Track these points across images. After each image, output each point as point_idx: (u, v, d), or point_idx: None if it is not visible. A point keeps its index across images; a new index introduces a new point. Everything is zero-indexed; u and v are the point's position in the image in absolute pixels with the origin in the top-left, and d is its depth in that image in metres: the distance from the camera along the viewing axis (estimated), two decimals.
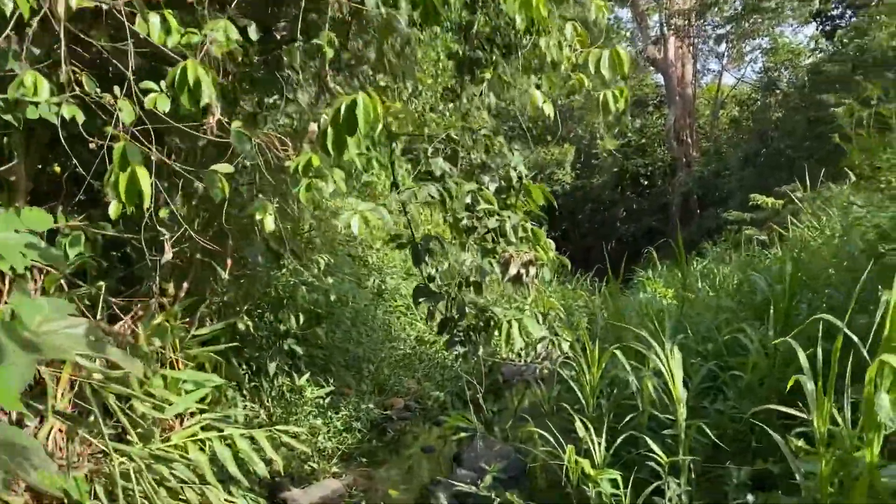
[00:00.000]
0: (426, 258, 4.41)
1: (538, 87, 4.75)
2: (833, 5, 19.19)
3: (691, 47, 25.43)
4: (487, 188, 4.25)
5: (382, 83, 6.14)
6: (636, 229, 29.95)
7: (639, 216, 30.11)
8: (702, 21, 24.51)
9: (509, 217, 4.24)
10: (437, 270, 4.54)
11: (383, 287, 9.64)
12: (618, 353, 4.93)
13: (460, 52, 4.88)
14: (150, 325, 4.39)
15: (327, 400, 6.74)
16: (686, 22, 23.66)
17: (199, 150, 4.24)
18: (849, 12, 19.04)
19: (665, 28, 24.60)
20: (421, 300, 4.49)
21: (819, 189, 13.86)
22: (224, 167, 3.47)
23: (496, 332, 4.33)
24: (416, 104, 7.92)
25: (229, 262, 5.79)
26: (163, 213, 3.77)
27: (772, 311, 4.97)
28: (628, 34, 32.56)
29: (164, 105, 3.17)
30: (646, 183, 29.33)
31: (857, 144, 5.46)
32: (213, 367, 5.75)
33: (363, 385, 7.72)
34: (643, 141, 29.70)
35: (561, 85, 4.99)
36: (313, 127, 4.21)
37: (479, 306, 4.48)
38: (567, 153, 27.76)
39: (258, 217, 3.64)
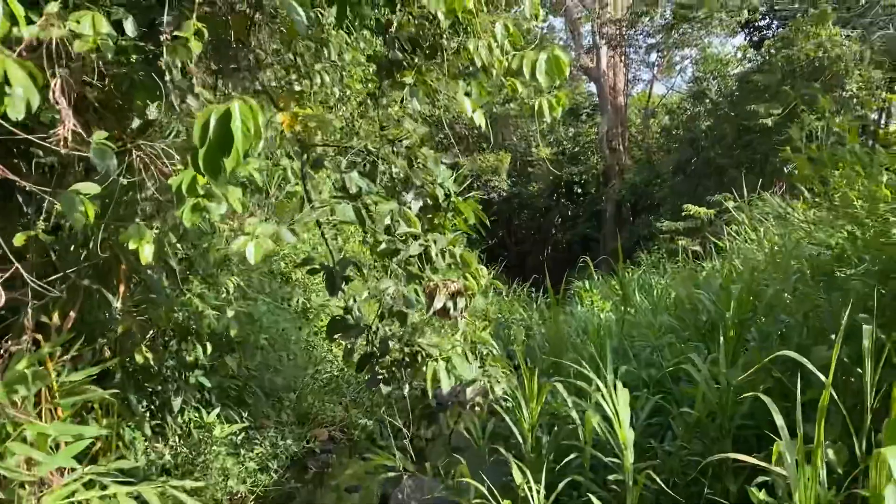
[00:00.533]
0: (342, 286, 3.85)
1: (468, 94, 4.24)
2: (760, 16, 19.33)
3: (623, 57, 25.45)
4: (410, 207, 3.72)
5: (301, 87, 5.57)
6: (571, 236, 29.89)
7: (573, 223, 30.06)
8: (633, 31, 24.53)
9: (435, 241, 3.72)
10: (355, 300, 3.99)
11: (308, 306, 9.02)
12: (558, 386, 4.44)
13: (380, 54, 4.34)
14: (13, 369, 3.70)
15: (240, 437, 6.08)
16: (618, 31, 23.62)
17: (69, 165, 3.58)
18: (775, 23, 19.21)
19: (597, 37, 24.54)
20: (337, 335, 3.93)
21: (751, 198, 13.81)
22: (88, 187, 2.85)
23: (423, 369, 3.80)
24: (344, 111, 7.35)
25: (122, 287, 5.11)
26: (17, 241, 3.10)
27: (721, 338, 4.55)
28: (561, 43, 32.59)
29: None
30: (580, 191, 29.30)
31: (807, 159, 5.11)
32: (105, 409, 5.06)
33: (283, 416, 7.08)
34: (577, 149, 29.66)
35: (493, 92, 4.49)
36: None
37: (404, 339, 3.93)
38: (503, 160, 27.45)
39: (132, 246, 3.03)
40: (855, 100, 15.83)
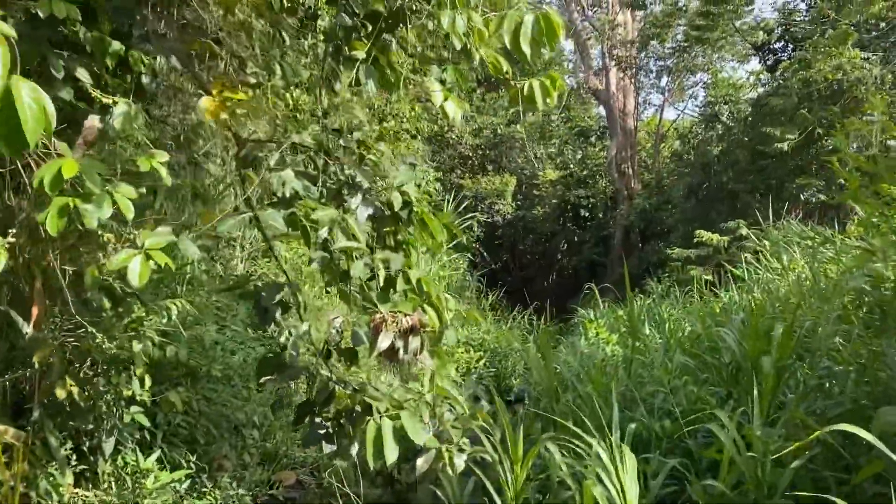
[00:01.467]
0: (276, 315, 3.00)
1: (442, 81, 3.42)
2: (776, 38, 18.54)
3: (633, 79, 24.69)
4: (356, 216, 2.88)
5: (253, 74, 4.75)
6: (577, 262, 28.96)
7: (580, 248, 29.14)
8: (643, 53, 23.79)
9: (385, 261, 2.87)
10: (291, 333, 3.13)
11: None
12: (552, 448, 3.55)
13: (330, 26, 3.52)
14: None
15: (185, 484, 5.20)
16: (628, 53, 22.88)
17: None
18: (790, 46, 18.40)
19: (607, 59, 23.80)
20: (267, 379, 3.07)
21: (768, 224, 12.92)
22: None
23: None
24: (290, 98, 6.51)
25: (35, 310, 4.27)
26: None
27: (751, 386, 3.65)
28: (570, 65, 31.91)
29: None
30: (587, 215, 28.41)
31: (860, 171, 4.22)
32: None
33: (245, 457, 6.18)
34: (585, 172, 28.82)
35: (472, 76, 3.66)
36: (90, 121, 2.77)
37: (354, 385, 3.07)
38: (508, 183, 26.60)
39: None
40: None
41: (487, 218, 27.30)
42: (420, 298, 2.98)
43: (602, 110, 27.46)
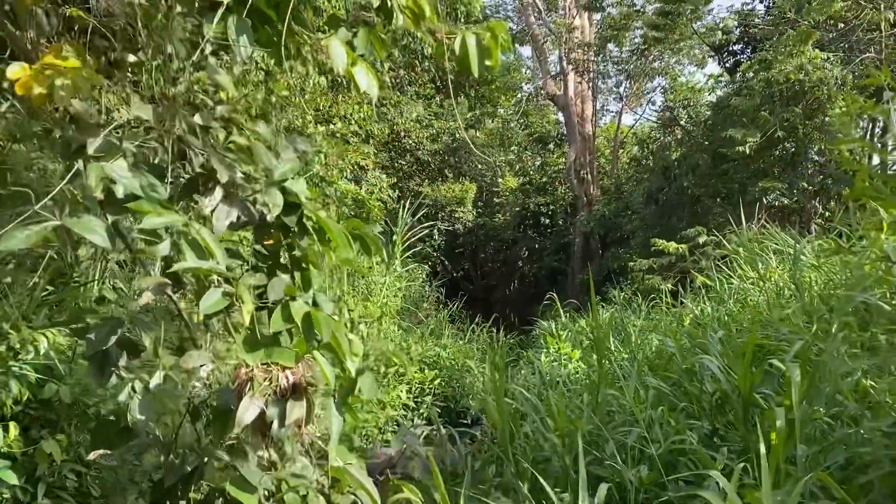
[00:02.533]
0: (120, 362, 2.13)
1: (350, 44, 2.60)
2: (734, 39, 18.08)
3: (591, 83, 24.14)
4: (210, 223, 2.03)
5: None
6: (538, 269, 28.34)
7: (540, 256, 28.52)
8: (601, 57, 23.23)
9: (251, 288, 2.03)
10: (135, 390, 2.25)
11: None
12: None
13: None
14: None
15: None
16: (585, 56, 22.30)
17: None
18: (749, 48, 17.97)
19: (564, 63, 23.21)
20: (102, 452, 2.20)
21: (731, 231, 12.30)
22: None
23: None
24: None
25: None
26: None
27: (762, 452, 2.84)
28: (528, 71, 31.32)
29: None
30: (547, 222, 27.81)
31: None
32: None
33: None
34: (544, 179, 28.24)
35: (391, 38, 2.85)
36: None
37: (225, 458, 2.20)
38: (468, 190, 25.81)
39: None
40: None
41: (448, 226, 26.51)
42: (308, 342, 2.13)
43: (560, 116, 26.87)
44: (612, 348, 7.91)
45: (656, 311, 10.81)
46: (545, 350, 8.33)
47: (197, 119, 2.19)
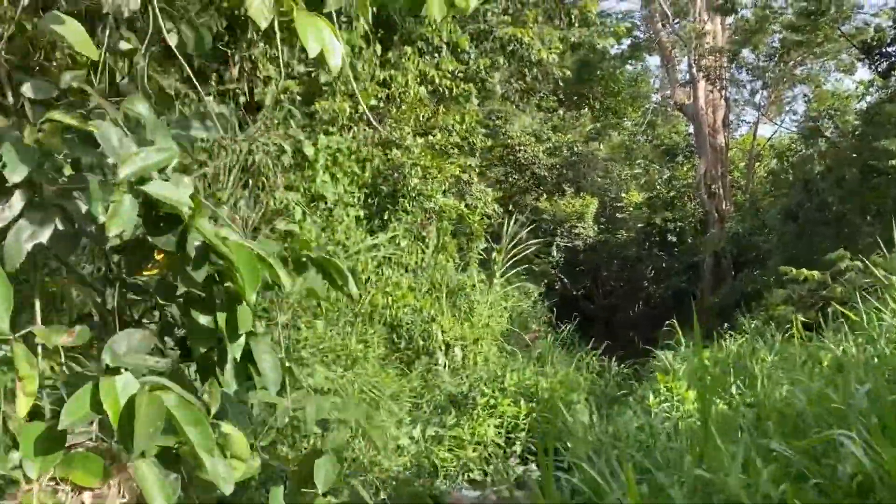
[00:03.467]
0: None
1: None
2: (889, 40, 16.06)
3: (722, 92, 22.41)
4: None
5: None
6: (664, 290, 26.60)
7: (667, 275, 26.77)
8: (735, 63, 21.49)
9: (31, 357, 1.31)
10: None
11: None
12: None
13: None
14: None
15: None
16: (717, 63, 20.68)
17: None
18: None
19: (694, 70, 21.66)
20: None
21: (881, 254, 10.64)
22: None
23: None
24: None
25: None
26: None
27: None
28: (656, 82, 29.75)
29: None
30: (674, 240, 26.04)
31: None
32: None
33: None
34: (672, 194, 26.52)
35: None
36: None
37: None
38: (589, 205, 24.61)
39: None
40: None
41: (568, 242, 25.38)
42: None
43: (690, 127, 25.20)
44: (734, 391, 6.76)
45: (791, 345, 9.43)
46: (654, 392, 7.26)
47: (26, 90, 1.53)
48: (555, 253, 25.24)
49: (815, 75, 23.65)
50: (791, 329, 10.01)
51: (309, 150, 7.20)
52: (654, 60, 30.11)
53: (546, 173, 22.36)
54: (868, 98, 18.56)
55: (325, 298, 7.88)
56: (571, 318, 21.21)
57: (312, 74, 7.57)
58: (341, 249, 8.31)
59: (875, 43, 16.26)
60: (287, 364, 5.78)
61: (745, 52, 21.66)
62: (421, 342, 9.62)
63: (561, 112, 26.06)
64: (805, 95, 24.18)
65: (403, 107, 9.71)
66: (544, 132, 20.93)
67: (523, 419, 7.92)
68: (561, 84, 28.34)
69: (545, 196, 23.63)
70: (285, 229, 7.22)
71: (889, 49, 16.41)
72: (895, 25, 16.02)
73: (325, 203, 8.48)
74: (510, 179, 22.23)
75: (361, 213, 9.38)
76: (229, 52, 7.21)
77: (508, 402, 8.06)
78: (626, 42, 26.50)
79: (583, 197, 24.46)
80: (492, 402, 8.06)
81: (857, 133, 15.94)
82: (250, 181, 7.21)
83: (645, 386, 8.55)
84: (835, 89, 21.60)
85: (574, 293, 29.79)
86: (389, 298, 9.45)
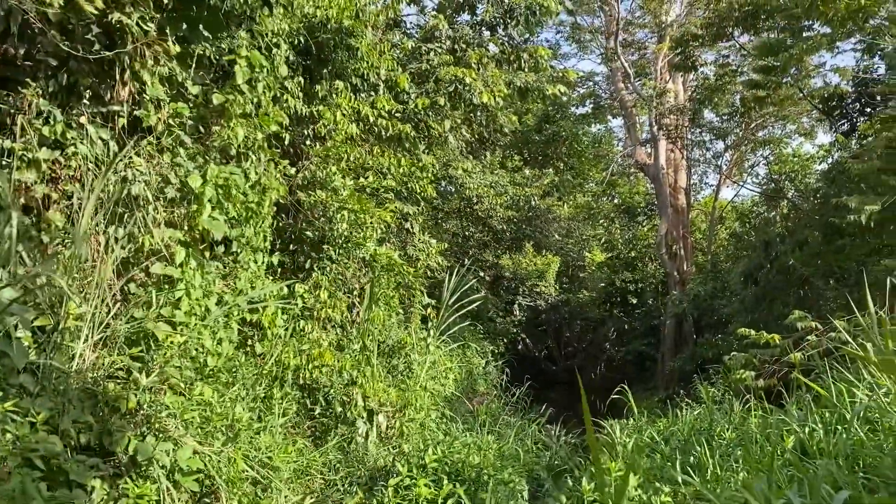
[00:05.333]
0: None
1: None
2: (850, 99, 15.56)
3: (683, 151, 21.85)
4: None
5: None
6: (625, 353, 25.57)
7: (629, 338, 25.79)
8: (696, 121, 20.97)
9: None
10: None
11: None
12: None
13: None
14: None
15: None
16: (678, 122, 20.13)
17: None
18: (867, 109, 15.37)
19: (655, 129, 21.10)
20: None
21: (845, 316, 9.69)
22: None
23: None
24: None
25: None
26: None
27: None
28: (619, 142, 29.29)
29: None
30: (636, 301, 25.18)
31: None
32: None
33: None
34: (633, 254, 25.78)
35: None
36: None
37: None
38: (551, 263, 23.67)
39: None
40: None
41: (530, 301, 24.35)
42: None
43: (651, 187, 24.60)
44: (683, 479, 5.61)
45: (751, 417, 8.38)
46: (596, 477, 6.08)
47: None
48: (517, 312, 24.22)
49: (777, 139, 23.26)
50: (752, 399, 8.97)
51: (195, 182, 6.08)
52: (618, 122, 29.77)
53: (504, 226, 21.43)
54: (829, 160, 18.02)
55: (213, 354, 6.67)
56: (534, 380, 19.99)
57: (208, 95, 6.50)
58: (242, 300, 7.14)
59: (835, 103, 15.74)
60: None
61: (707, 114, 21.21)
62: (339, 408, 8.37)
63: (526, 172, 25.41)
64: (766, 158, 23.76)
65: (329, 143, 8.69)
66: (501, 185, 20.07)
67: (441, 503, 6.66)
68: (528, 144, 27.83)
69: (506, 253, 22.69)
70: (163, 273, 6.06)
71: (849, 108, 15.90)
72: (854, 85, 15.55)
73: (230, 246, 7.35)
74: (466, 233, 21.27)
75: (276, 259, 8.23)
76: (107, 66, 6.15)
77: (426, 482, 6.82)
78: (590, 104, 26.14)
79: (545, 255, 23.56)
80: (406, 482, 6.81)
81: (819, 193, 15.25)
82: (126, 216, 6.06)
83: (586, 466, 7.36)
84: (795, 151, 21.12)
85: (536, 354, 28.65)
86: (303, 357, 8.23)
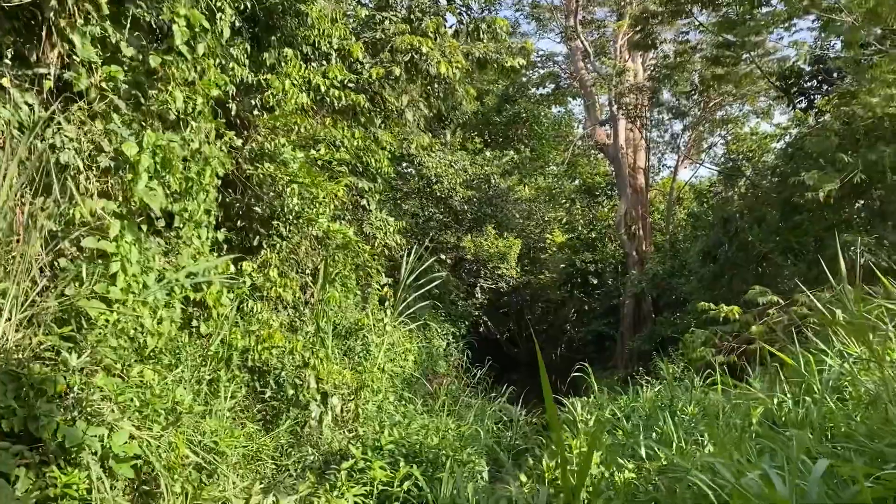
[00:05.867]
0: None
1: None
2: (807, 76, 15.56)
3: (643, 130, 21.78)
4: None
5: None
6: (585, 333, 25.57)
7: (589, 318, 25.79)
8: (654, 101, 20.88)
9: None
10: None
11: None
12: None
13: None
14: None
15: None
16: (637, 101, 20.01)
17: None
18: (824, 85, 15.41)
19: (615, 108, 20.96)
20: None
21: (803, 291, 9.64)
22: None
23: None
24: None
25: None
26: None
27: None
28: (580, 125, 29.21)
29: None
30: (595, 282, 25.15)
31: None
32: None
33: None
34: (593, 235, 25.72)
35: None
36: None
37: None
38: (512, 245, 23.44)
39: None
40: None
41: (491, 284, 24.15)
42: None
43: (611, 167, 24.53)
44: (649, 453, 5.42)
45: (713, 393, 8.26)
46: (553, 449, 5.86)
47: None
48: (479, 294, 24.00)
49: (735, 118, 23.34)
50: (713, 374, 8.88)
51: (130, 150, 5.65)
52: (578, 104, 29.66)
53: (465, 207, 21.13)
54: (786, 138, 18.08)
55: (153, 334, 6.26)
56: (496, 362, 19.78)
57: (142, 58, 6.05)
58: (183, 275, 6.73)
59: (792, 80, 15.74)
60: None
61: (666, 94, 21.14)
62: (291, 391, 8.01)
63: (487, 153, 25.13)
64: (724, 137, 23.85)
65: (277, 112, 8.28)
66: (460, 163, 19.75)
67: (398, 485, 6.39)
68: (488, 125, 27.56)
69: (468, 234, 22.40)
70: (95, 248, 5.63)
71: (806, 85, 15.92)
72: (814, 61, 15.56)
73: (172, 222, 6.93)
74: (426, 213, 20.92)
75: (221, 235, 7.82)
76: (33, 23, 5.66)
77: (381, 465, 6.52)
78: (550, 84, 25.93)
79: (506, 237, 23.35)
80: (360, 465, 6.51)
81: (777, 171, 15.25)
82: (54, 186, 5.60)
83: (547, 445, 7.12)
84: (753, 130, 21.21)
85: (498, 336, 28.52)
86: (252, 338, 7.85)
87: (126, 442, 5.05)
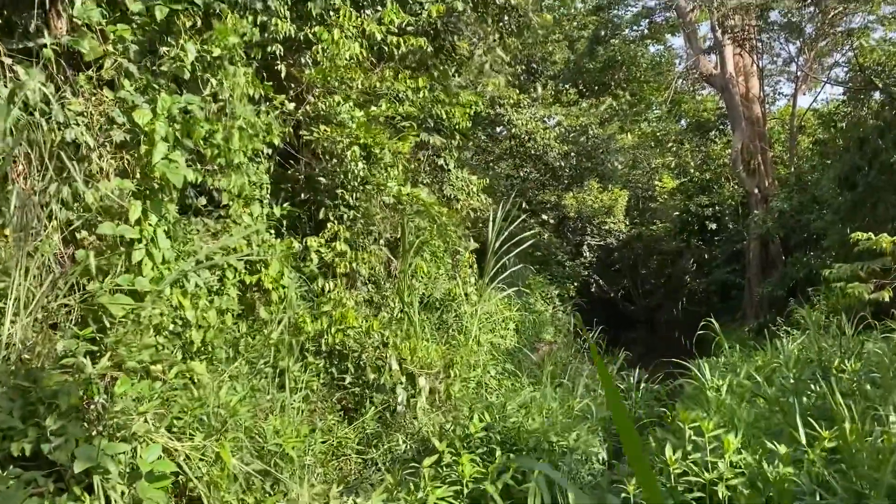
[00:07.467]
0: None
1: None
2: None
3: (753, 54, 19.52)
4: None
5: None
6: (707, 284, 23.60)
7: (710, 268, 23.77)
8: (763, 20, 18.56)
9: None
10: None
11: None
12: None
13: None
14: None
15: None
16: (744, 21, 17.82)
17: None
18: None
19: (719, 33, 18.83)
20: None
21: None
22: None
23: None
24: None
25: None
26: None
27: None
28: (681, 60, 26.85)
29: None
30: (714, 227, 23.08)
31: None
32: None
33: None
34: (707, 176, 23.58)
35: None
36: None
37: None
38: (618, 198, 21.80)
39: None
40: None
41: (599, 240, 22.66)
42: None
43: (721, 100, 22.30)
44: (800, 431, 4.12)
45: (869, 341, 6.77)
46: (681, 435, 4.63)
47: None
48: (586, 253, 22.59)
49: (860, 30, 20.55)
50: (867, 317, 7.34)
51: (142, 118, 4.84)
52: (677, 41, 27.32)
53: (562, 163, 19.68)
54: None
55: (197, 327, 5.48)
56: (612, 322, 18.39)
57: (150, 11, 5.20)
58: (234, 258, 5.95)
59: None
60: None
61: (775, 15, 18.78)
62: (372, 375, 7.13)
63: (583, 104, 23.51)
64: (846, 55, 21.09)
65: (328, 66, 7.34)
66: (554, 118, 18.32)
67: (492, 481, 5.37)
68: (581, 73, 25.78)
69: (564, 189, 20.97)
70: (118, 234, 4.87)
71: None
72: None
73: (211, 197, 6.16)
74: (521, 173, 19.65)
75: (278, 211, 6.99)
76: None
77: (472, 458, 5.52)
78: (645, 23, 23.88)
79: (610, 190, 21.73)
80: (447, 458, 5.54)
81: None
82: (74, 166, 4.87)
83: (674, 420, 5.86)
84: (883, 38, 18.57)
85: (611, 295, 26.95)
86: (324, 320, 7.00)
87: (159, 457, 4.27)
